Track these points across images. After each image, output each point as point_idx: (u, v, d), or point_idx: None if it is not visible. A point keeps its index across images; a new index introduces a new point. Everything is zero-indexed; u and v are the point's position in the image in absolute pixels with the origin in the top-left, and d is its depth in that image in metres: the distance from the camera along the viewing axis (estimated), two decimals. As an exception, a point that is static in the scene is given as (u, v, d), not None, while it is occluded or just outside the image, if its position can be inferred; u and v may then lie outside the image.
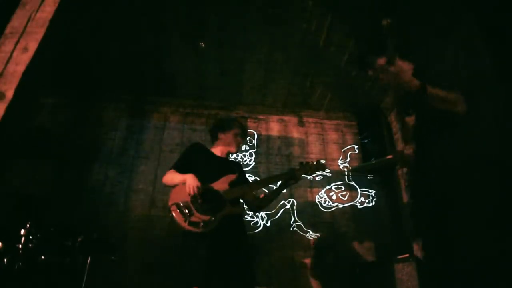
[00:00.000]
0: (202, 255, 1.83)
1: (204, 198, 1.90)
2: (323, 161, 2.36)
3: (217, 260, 1.82)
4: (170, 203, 1.89)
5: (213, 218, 1.85)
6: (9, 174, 3.11)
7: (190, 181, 1.90)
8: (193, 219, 1.82)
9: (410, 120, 1.62)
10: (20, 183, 3.12)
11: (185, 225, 1.80)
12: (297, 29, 2.99)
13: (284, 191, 2.43)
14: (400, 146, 1.73)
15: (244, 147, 3.85)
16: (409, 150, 1.67)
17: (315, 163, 2.31)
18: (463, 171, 1.37)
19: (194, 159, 2.14)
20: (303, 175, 2.25)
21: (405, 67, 1.48)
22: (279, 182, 2.24)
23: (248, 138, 3.90)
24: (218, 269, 1.81)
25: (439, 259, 1.43)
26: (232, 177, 2.08)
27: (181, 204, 1.85)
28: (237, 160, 3.53)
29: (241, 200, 2.21)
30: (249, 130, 3.93)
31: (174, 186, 2.00)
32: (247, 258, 1.98)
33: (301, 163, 2.30)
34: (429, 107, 1.42)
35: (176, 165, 2.13)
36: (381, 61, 1.50)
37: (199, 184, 1.90)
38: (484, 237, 1.26)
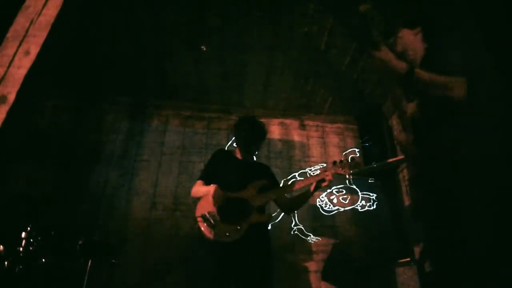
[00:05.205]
0: (220, 262, 1.86)
1: (228, 207, 1.92)
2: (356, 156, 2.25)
3: (234, 268, 1.84)
4: (196, 214, 1.93)
5: (238, 227, 1.87)
6: (11, 177, 3.12)
7: (213, 193, 1.92)
8: (218, 229, 1.85)
9: (410, 107, 1.58)
10: (21, 186, 3.13)
11: (211, 236, 1.83)
12: (298, 32, 3.00)
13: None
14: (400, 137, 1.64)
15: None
16: (407, 140, 1.62)
17: (349, 160, 2.12)
18: (470, 166, 1.30)
19: (219, 167, 2.15)
20: (337, 174, 2.10)
21: (390, 52, 1.42)
22: (312, 185, 2.12)
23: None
24: (235, 278, 1.84)
25: (441, 262, 1.40)
26: (259, 183, 2.07)
27: (207, 215, 1.87)
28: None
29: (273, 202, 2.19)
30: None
31: (200, 197, 2.04)
32: (266, 268, 1.94)
33: (334, 162, 2.15)
34: (428, 94, 1.37)
35: (202, 176, 2.18)
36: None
37: (221, 195, 1.92)
38: (492, 239, 1.22)
